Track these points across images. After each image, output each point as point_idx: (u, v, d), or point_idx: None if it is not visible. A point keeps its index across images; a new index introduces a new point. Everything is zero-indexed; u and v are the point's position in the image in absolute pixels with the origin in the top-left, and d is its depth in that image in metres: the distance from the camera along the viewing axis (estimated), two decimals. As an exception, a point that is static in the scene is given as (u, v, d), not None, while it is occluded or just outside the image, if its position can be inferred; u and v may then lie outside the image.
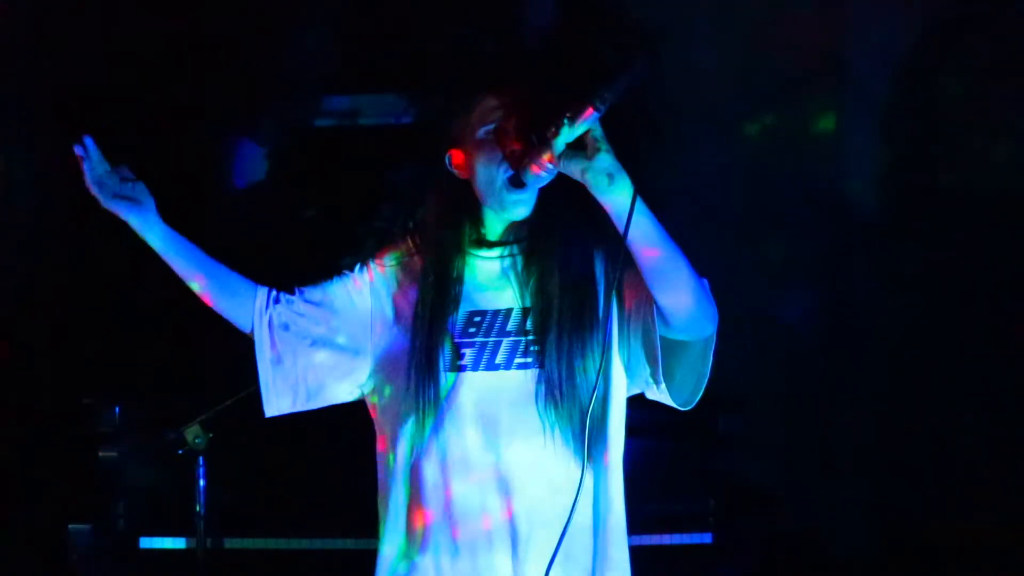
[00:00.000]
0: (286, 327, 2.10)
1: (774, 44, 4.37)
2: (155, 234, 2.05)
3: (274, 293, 2.14)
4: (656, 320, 1.92)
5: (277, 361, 2.10)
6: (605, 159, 1.82)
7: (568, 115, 1.81)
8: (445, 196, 2.07)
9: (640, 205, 1.84)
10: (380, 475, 2.11)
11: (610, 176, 1.82)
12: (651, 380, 1.99)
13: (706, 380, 1.99)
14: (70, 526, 3.29)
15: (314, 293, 2.14)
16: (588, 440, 1.93)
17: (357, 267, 2.16)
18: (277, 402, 2.11)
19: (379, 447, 2.12)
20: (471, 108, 2.02)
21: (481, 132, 2.00)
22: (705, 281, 1.95)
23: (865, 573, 4.30)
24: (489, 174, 1.98)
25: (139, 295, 4.11)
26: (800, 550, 3.92)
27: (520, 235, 2.05)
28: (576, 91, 1.81)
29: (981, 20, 4.45)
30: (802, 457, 4.27)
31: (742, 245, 4.42)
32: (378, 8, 4.23)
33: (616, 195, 1.83)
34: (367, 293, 2.13)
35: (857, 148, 4.51)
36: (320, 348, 2.11)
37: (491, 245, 2.06)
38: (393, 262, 2.13)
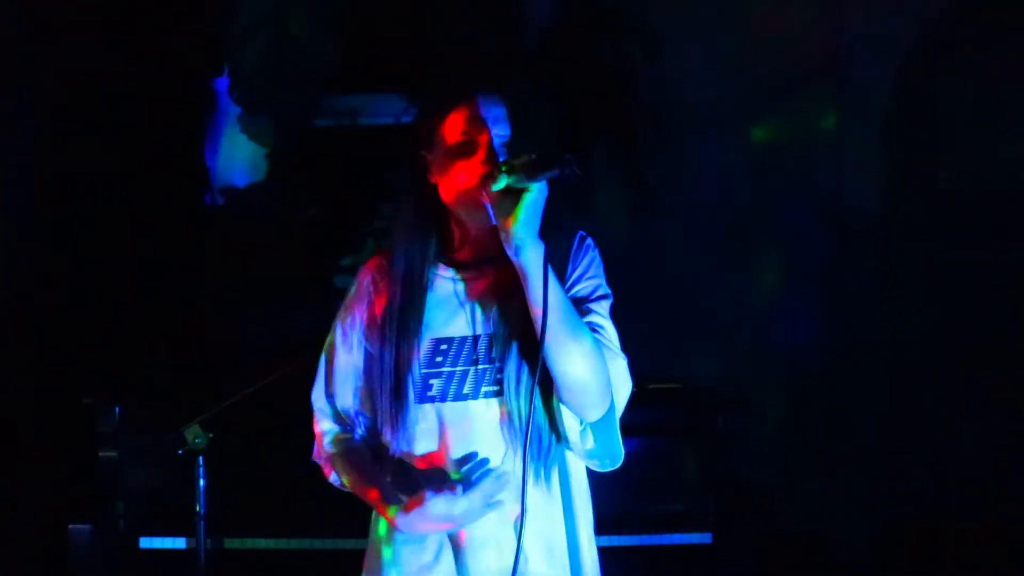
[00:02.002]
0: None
1: (774, 44, 4.37)
2: None
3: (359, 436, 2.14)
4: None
5: None
6: (515, 231, 1.82)
7: (506, 167, 1.83)
8: (415, 201, 2.03)
9: (547, 279, 1.84)
10: None
11: (516, 249, 1.83)
12: (566, 441, 1.98)
13: (617, 444, 1.98)
14: (70, 526, 3.29)
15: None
16: (550, 463, 1.94)
17: (340, 325, 2.11)
18: None
19: None
20: (446, 114, 1.98)
21: (458, 137, 1.96)
22: (625, 360, 1.96)
23: (865, 573, 4.30)
24: (465, 178, 1.95)
25: (139, 295, 4.11)
26: (800, 550, 3.92)
27: (484, 255, 2.01)
28: (527, 150, 1.81)
29: (981, 20, 4.45)
30: (802, 457, 4.27)
31: (742, 245, 4.43)
32: (379, 8, 4.23)
33: (520, 261, 1.85)
34: (356, 348, 2.10)
35: (857, 148, 4.51)
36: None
37: (457, 265, 2.03)
38: (370, 280, 2.09)
